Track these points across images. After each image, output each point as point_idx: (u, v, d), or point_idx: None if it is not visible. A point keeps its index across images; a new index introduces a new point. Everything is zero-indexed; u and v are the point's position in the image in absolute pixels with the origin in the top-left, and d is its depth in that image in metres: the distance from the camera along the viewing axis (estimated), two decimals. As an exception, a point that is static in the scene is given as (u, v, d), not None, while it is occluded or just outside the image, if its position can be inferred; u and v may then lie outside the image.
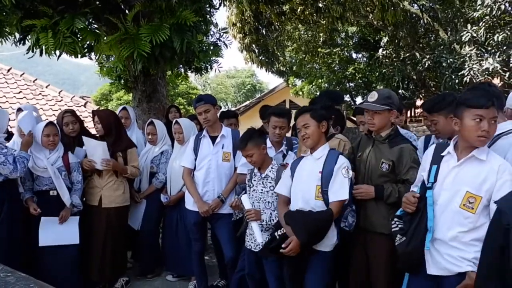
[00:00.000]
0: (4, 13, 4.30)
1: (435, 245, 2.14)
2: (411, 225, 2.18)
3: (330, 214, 2.54)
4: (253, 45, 11.54)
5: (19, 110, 4.21)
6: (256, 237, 2.87)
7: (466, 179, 2.08)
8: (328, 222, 2.55)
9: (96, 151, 3.70)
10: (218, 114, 3.95)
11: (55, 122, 3.86)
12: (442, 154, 2.20)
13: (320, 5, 9.20)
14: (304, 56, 13.28)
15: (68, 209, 3.62)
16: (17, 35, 4.84)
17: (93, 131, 4.47)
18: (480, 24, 7.59)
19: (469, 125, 2.02)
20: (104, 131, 3.84)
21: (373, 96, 2.67)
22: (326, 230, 2.56)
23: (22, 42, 4.84)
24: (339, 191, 2.57)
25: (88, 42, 4.44)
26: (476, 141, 2.03)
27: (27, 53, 4.52)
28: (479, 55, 7.76)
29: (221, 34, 6.19)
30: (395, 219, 2.31)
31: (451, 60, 8.10)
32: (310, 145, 2.71)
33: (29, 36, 4.48)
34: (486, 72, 7.42)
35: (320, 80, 13.86)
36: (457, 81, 7.93)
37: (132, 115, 4.61)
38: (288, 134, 3.94)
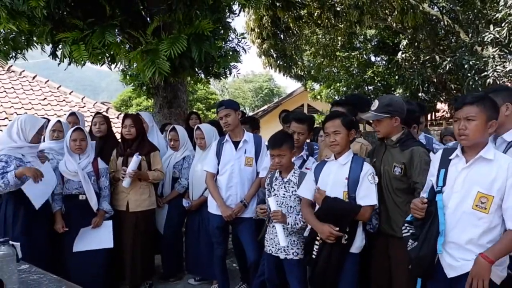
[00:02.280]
0: (34, 24, 4.46)
1: (448, 249, 2.13)
2: (423, 230, 2.19)
3: (355, 207, 2.61)
4: (271, 50, 11.56)
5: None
6: (279, 240, 2.87)
7: (476, 179, 2.09)
8: (350, 211, 2.61)
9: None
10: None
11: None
12: (450, 157, 2.22)
13: (338, 9, 9.18)
14: (322, 60, 13.20)
15: (101, 215, 3.71)
16: (47, 47, 5.01)
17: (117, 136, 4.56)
18: (503, 25, 7.44)
19: (454, 127, 2.18)
20: (136, 134, 3.93)
21: (374, 104, 2.76)
22: (344, 213, 2.61)
23: (54, 55, 4.99)
24: (367, 197, 2.62)
25: (112, 52, 4.56)
26: (460, 141, 2.15)
27: (59, 64, 4.71)
28: (502, 57, 7.61)
29: (240, 39, 6.24)
30: (406, 225, 2.34)
31: (473, 62, 7.95)
32: (337, 151, 2.76)
33: (59, 47, 4.65)
34: (510, 74, 7.27)
35: (338, 84, 13.75)
36: (480, 82, 7.77)
37: (149, 120, 4.54)
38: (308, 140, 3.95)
